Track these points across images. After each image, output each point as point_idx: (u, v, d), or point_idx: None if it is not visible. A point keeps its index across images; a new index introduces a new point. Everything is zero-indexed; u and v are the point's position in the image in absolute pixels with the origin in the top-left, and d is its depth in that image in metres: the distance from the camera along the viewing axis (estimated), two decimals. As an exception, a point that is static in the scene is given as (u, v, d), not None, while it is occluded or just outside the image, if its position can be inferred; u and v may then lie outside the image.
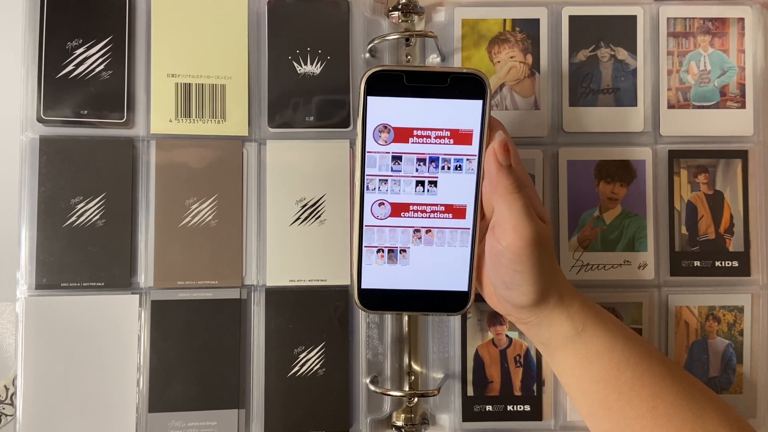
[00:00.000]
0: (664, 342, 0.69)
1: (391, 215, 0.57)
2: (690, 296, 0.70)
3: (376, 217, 0.57)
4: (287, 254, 0.68)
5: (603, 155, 0.70)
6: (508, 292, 0.56)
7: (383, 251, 0.58)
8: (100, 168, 0.67)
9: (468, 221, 0.57)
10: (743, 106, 0.70)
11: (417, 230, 0.57)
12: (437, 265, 0.58)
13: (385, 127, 0.55)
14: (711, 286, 0.70)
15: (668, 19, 0.70)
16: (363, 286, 0.59)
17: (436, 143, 0.55)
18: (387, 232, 0.57)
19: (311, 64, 0.69)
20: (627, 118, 0.70)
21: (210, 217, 0.67)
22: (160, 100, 0.67)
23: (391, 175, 0.56)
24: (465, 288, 0.59)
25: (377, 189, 0.56)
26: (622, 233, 0.69)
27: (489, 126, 0.55)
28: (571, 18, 0.70)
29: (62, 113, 0.66)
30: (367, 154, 0.55)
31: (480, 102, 0.54)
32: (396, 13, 0.70)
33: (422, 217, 0.57)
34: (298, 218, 0.68)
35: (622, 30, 0.70)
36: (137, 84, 0.68)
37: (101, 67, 0.67)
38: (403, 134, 0.55)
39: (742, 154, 0.70)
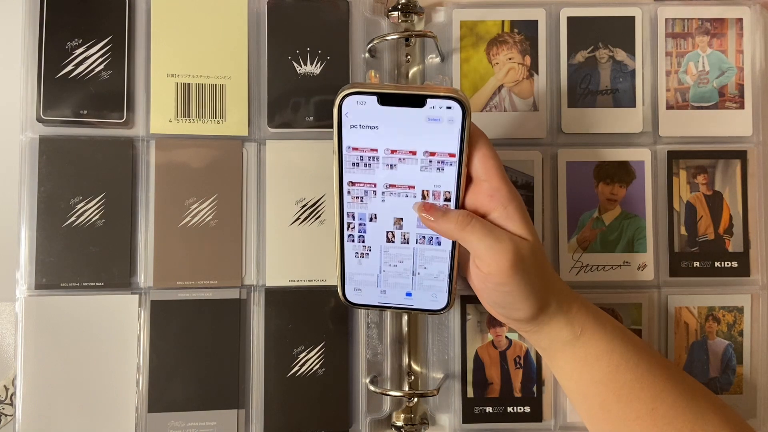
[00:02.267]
0: (663, 343, 0.69)
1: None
2: (690, 297, 0.70)
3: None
4: (287, 254, 0.68)
5: (602, 156, 0.70)
6: (504, 311, 0.57)
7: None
8: (100, 168, 0.67)
9: (446, 245, 0.57)
10: (742, 107, 0.70)
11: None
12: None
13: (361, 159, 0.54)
14: (710, 287, 0.70)
15: (666, 19, 0.70)
16: (347, 296, 0.61)
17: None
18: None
19: (311, 64, 0.69)
20: (626, 119, 0.70)
21: (210, 217, 0.67)
22: (160, 100, 0.67)
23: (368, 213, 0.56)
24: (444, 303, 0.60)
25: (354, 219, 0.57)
26: (621, 234, 0.69)
27: (471, 139, 0.52)
28: (570, 19, 0.70)
29: (62, 113, 0.66)
30: (345, 184, 0.55)
31: (459, 123, 0.51)
32: (396, 13, 0.70)
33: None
34: (297, 218, 0.68)
35: (620, 31, 0.70)
36: (137, 84, 0.68)
37: (101, 67, 0.67)
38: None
39: (741, 155, 0.70)
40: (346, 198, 0.55)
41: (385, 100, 0.51)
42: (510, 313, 0.56)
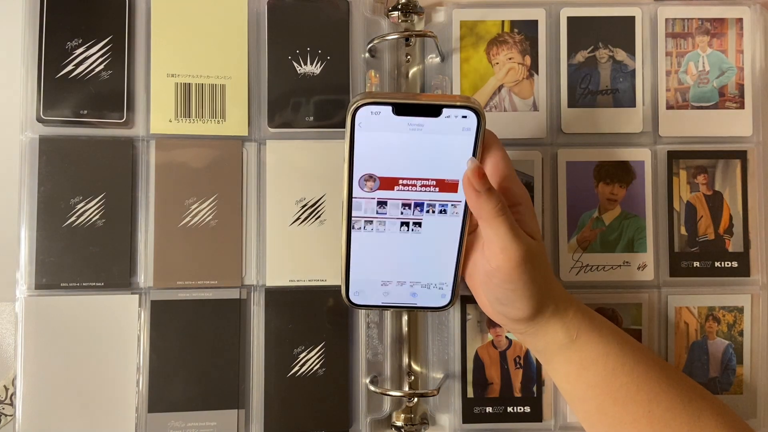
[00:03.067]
0: (663, 343, 0.69)
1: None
2: (690, 297, 0.69)
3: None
4: (287, 254, 0.68)
5: (602, 156, 0.70)
6: (503, 308, 0.57)
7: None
8: (100, 168, 0.67)
9: (454, 235, 0.58)
10: (742, 107, 0.70)
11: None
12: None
13: (371, 177, 0.54)
14: (710, 287, 0.70)
15: (666, 19, 0.70)
16: (351, 297, 0.61)
17: (421, 191, 0.55)
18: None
19: (311, 64, 0.69)
20: (626, 119, 0.70)
21: (210, 217, 0.67)
22: (160, 100, 0.67)
23: (377, 217, 0.56)
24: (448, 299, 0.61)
25: (362, 228, 0.57)
26: (621, 234, 0.69)
27: (484, 142, 0.53)
28: (570, 19, 0.70)
29: (62, 113, 0.66)
30: (353, 199, 0.55)
31: (474, 131, 0.52)
32: (396, 13, 0.70)
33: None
34: (297, 218, 0.68)
35: (620, 31, 0.70)
36: (137, 84, 0.68)
37: (101, 67, 0.67)
38: (389, 182, 0.55)
39: (741, 155, 0.70)
40: (357, 192, 0.55)
41: (401, 110, 0.51)
42: (509, 311, 0.56)
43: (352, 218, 0.56)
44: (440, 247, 0.58)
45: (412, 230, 0.57)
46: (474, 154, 0.53)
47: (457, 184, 0.54)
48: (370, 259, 0.59)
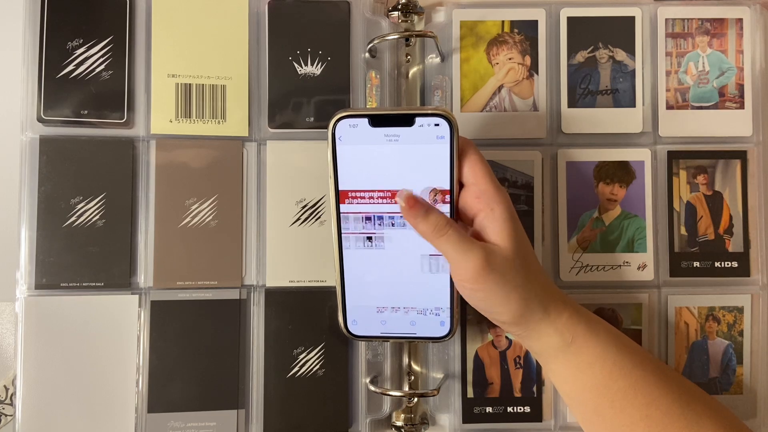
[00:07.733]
0: (663, 343, 0.69)
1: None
2: (690, 297, 0.69)
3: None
4: (287, 255, 0.68)
5: (602, 156, 0.70)
6: (486, 314, 0.58)
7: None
8: (100, 168, 0.67)
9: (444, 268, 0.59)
10: (742, 107, 0.70)
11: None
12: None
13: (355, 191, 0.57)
14: (711, 287, 0.70)
15: (666, 20, 0.70)
16: (349, 326, 0.63)
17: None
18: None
19: (311, 64, 0.69)
20: (626, 119, 0.70)
21: (210, 217, 0.67)
22: (161, 101, 0.67)
23: (365, 233, 0.59)
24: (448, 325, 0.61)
25: (352, 246, 0.59)
26: (621, 234, 0.69)
27: (460, 148, 0.55)
28: (570, 19, 0.70)
29: (62, 113, 0.66)
30: (342, 215, 0.58)
31: (448, 137, 0.55)
32: (396, 13, 0.70)
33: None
34: (297, 219, 0.68)
35: (620, 31, 0.70)
36: (137, 84, 0.68)
37: (102, 67, 0.67)
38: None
39: (741, 155, 0.70)
40: (345, 208, 0.58)
41: (376, 121, 0.54)
42: (492, 317, 0.57)
43: (342, 235, 0.58)
44: (432, 261, 0.59)
45: (404, 245, 0.58)
46: (450, 162, 0.55)
47: (447, 192, 0.56)
48: (363, 277, 0.60)
